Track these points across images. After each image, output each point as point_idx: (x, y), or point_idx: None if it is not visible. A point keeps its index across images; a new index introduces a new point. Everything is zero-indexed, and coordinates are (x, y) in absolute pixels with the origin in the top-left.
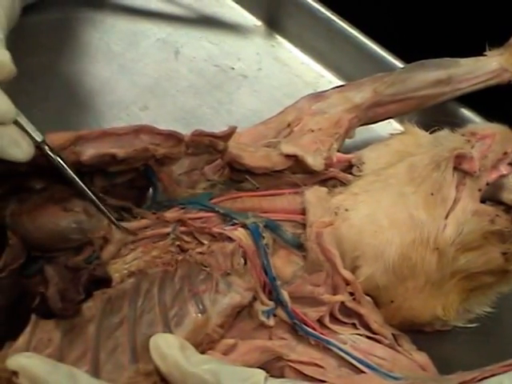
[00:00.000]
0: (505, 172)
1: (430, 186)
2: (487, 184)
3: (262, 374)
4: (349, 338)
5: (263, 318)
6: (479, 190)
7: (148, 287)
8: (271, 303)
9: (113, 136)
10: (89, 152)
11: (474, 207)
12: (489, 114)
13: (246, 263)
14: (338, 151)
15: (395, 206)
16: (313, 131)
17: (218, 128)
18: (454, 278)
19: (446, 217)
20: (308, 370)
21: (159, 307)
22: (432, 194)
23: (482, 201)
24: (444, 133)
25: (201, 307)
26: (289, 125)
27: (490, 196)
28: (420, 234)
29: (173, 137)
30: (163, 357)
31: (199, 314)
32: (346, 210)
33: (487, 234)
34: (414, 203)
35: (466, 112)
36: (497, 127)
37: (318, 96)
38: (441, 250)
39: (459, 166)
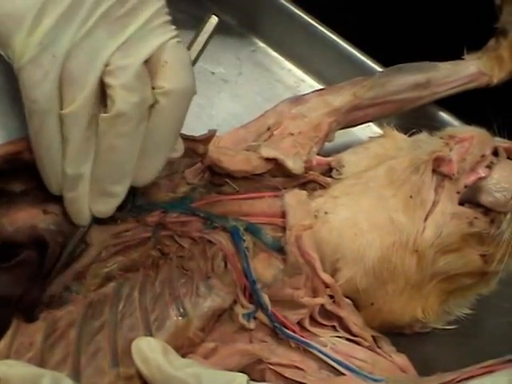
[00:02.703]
0: (483, 174)
1: (409, 189)
2: (466, 186)
3: (243, 377)
4: (329, 341)
5: (244, 321)
6: (458, 192)
7: (129, 291)
8: (251, 306)
9: None
10: None
11: (452, 210)
12: (467, 118)
13: (226, 266)
14: (318, 154)
15: (375, 208)
16: (293, 135)
17: (199, 132)
18: (434, 280)
19: (425, 219)
20: (288, 373)
21: (140, 311)
22: (411, 197)
23: (461, 203)
24: (423, 136)
25: (182, 311)
26: (269, 128)
27: (469, 198)
28: (399, 236)
29: None
30: (145, 360)
31: (180, 318)
32: (326, 213)
33: (466, 236)
34: (393, 206)
35: (445, 115)
36: (475, 130)
37: (298, 100)
38: (420, 252)
39: (438, 168)
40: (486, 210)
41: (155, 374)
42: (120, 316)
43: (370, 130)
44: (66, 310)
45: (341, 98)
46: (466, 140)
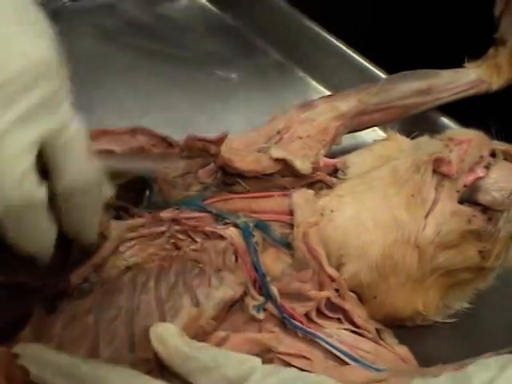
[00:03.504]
0: (481, 174)
1: (411, 188)
2: (464, 186)
3: (258, 359)
4: (334, 332)
5: (254, 312)
6: (457, 191)
7: (144, 281)
8: (261, 298)
9: (111, 135)
10: None
11: (452, 208)
12: (467, 122)
13: (236, 260)
14: (326, 156)
15: (378, 207)
16: (301, 138)
17: (212, 134)
18: (434, 274)
19: (426, 217)
20: (296, 362)
21: (155, 300)
22: (413, 196)
23: (460, 202)
24: (424, 139)
25: (195, 301)
26: (278, 132)
27: (468, 197)
28: (401, 233)
29: (167, 139)
30: (164, 342)
31: (193, 307)
32: (332, 211)
33: (465, 233)
34: (396, 204)
35: (446, 120)
36: (473, 133)
37: (307, 105)
38: (421, 248)
39: (438, 168)
40: (484, 209)
41: (173, 354)
42: (136, 304)
43: (376, 133)
44: (84, 301)
45: (347, 104)
46: (464, 142)
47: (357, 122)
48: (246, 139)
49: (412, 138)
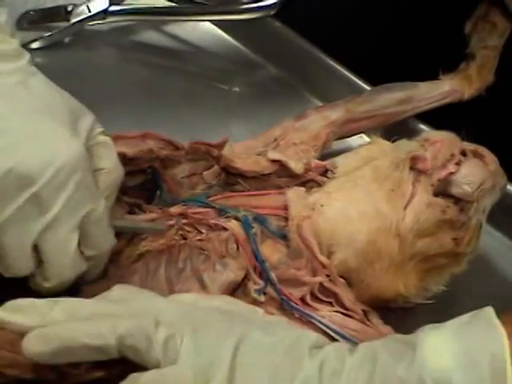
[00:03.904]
0: (453, 170)
1: (390, 184)
2: (438, 180)
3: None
4: (326, 314)
5: (255, 295)
6: (432, 185)
7: (155, 267)
8: (262, 282)
9: (123, 139)
10: None
11: (428, 200)
12: (440, 126)
13: (238, 248)
14: (317, 159)
15: (362, 200)
16: (296, 144)
17: (215, 140)
18: (413, 259)
19: (405, 208)
20: None
21: (166, 284)
22: (393, 190)
23: (435, 195)
24: (403, 141)
25: (201, 283)
26: (275, 139)
27: (442, 191)
28: (383, 222)
29: (173, 142)
30: None
31: (201, 290)
32: (322, 205)
33: (440, 222)
34: (378, 198)
35: (423, 126)
36: (445, 134)
37: (301, 115)
38: (401, 236)
39: (414, 165)
40: (456, 200)
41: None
42: (149, 287)
43: (362, 140)
44: (97, 283)
45: (336, 113)
46: (438, 142)
47: (345, 129)
48: (246, 145)
49: (393, 142)
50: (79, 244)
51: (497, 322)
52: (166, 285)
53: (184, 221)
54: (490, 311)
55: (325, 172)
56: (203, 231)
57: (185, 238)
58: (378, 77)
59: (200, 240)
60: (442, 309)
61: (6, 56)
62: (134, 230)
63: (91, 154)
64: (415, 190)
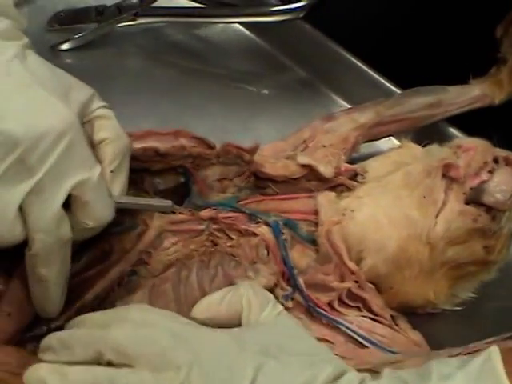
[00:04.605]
0: (485, 178)
1: (422, 190)
2: (471, 188)
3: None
4: (354, 319)
5: (283, 301)
6: (464, 193)
7: (187, 274)
8: (290, 289)
9: (156, 135)
10: (136, 146)
11: (459, 208)
12: (471, 132)
13: (268, 254)
14: (347, 163)
15: (393, 207)
16: (325, 146)
17: (242, 141)
18: (444, 267)
19: (437, 216)
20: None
21: (199, 291)
22: (424, 197)
23: (467, 203)
24: (434, 147)
25: None
26: (304, 141)
27: (473, 199)
28: (414, 230)
29: (206, 141)
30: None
31: None
32: (352, 210)
33: (471, 230)
34: (409, 204)
35: (453, 130)
36: (479, 141)
37: (329, 117)
38: (432, 243)
39: (447, 173)
40: (488, 209)
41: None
42: (182, 296)
43: (391, 142)
44: (133, 294)
45: (365, 116)
46: (470, 149)
47: (374, 132)
48: (275, 147)
49: (423, 146)
50: (77, 215)
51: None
52: (199, 291)
53: (214, 226)
54: (497, 363)
55: (355, 176)
56: (233, 237)
57: (215, 244)
58: (406, 79)
59: (231, 246)
60: (467, 314)
61: (6, 34)
62: (140, 208)
63: (92, 127)
64: (447, 197)
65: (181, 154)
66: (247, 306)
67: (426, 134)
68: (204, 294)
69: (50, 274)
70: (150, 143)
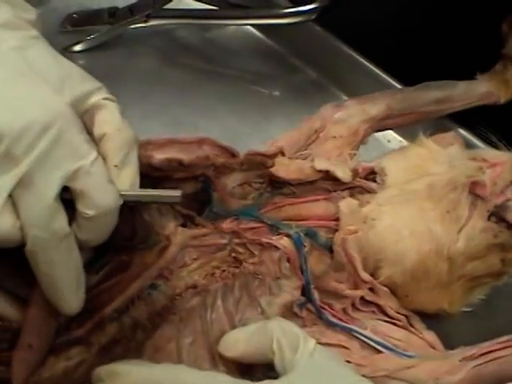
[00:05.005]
0: (510, 196)
1: (446, 205)
2: (495, 207)
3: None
4: (369, 323)
5: (296, 310)
6: (487, 210)
7: (212, 301)
8: (303, 298)
9: (179, 144)
10: (158, 156)
11: (482, 225)
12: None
13: (290, 268)
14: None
15: (415, 218)
16: (335, 137)
17: (255, 144)
18: (460, 280)
19: (459, 232)
20: (336, 351)
21: (226, 315)
22: (448, 212)
23: (488, 217)
24: (456, 153)
25: (259, 309)
26: (316, 131)
27: (495, 214)
28: (436, 245)
29: (230, 150)
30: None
31: (260, 315)
32: (373, 219)
33: (491, 245)
34: (432, 218)
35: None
36: (506, 156)
37: (339, 106)
38: (452, 259)
39: (473, 190)
40: (509, 225)
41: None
42: (209, 323)
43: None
44: (161, 329)
45: (377, 108)
46: (498, 165)
47: (381, 125)
48: (289, 138)
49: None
50: (78, 207)
51: None
52: (226, 317)
53: (236, 240)
54: None
55: (372, 174)
56: (255, 252)
57: (237, 260)
58: (417, 81)
59: (253, 264)
60: (480, 313)
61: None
62: (147, 200)
63: (91, 119)
64: (471, 214)
65: (204, 163)
66: (278, 349)
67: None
68: (231, 318)
69: (53, 271)
70: (174, 154)
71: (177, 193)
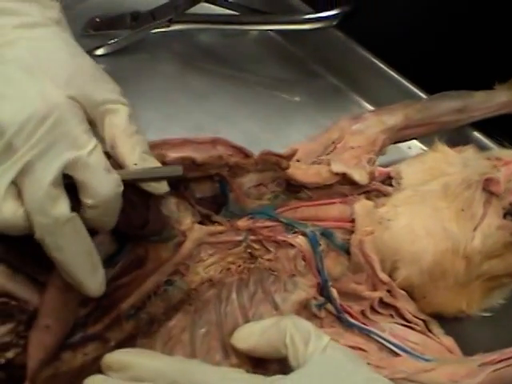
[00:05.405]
0: None
1: (461, 203)
2: (510, 204)
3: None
4: (387, 326)
5: (315, 311)
6: (503, 208)
7: (227, 294)
8: (322, 299)
9: (193, 144)
10: (172, 155)
11: (498, 223)
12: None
13: (305, 266)
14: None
15: (431, 218)
16: (353, 148)
17: (275, 148)
18: (478, 280)
19: (475, 230)
20: (354, 353)
21: (240, 309)
22: (463, 210)
23: (504, 216)
24: (471, 154)
25: (273, 305)
26: (333, 142)
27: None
28: (452, 243)
29: (243, 150)
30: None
31: (274, 311)
32: (389, 220)
33: (508, 244)
34: (447, 217)
35: (478, 135)
36: None
37: (357, 118)
38: (469, 257)
39: (487, 187)
40: None
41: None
42: (223, 316)
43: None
44: (176, 319)
45: (394, 118)
46: (511, 163)
47: (400, 135)
48: (306, 148)
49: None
50: (79, 195)
51: None
52: (240, 310)
53: (252, 237)
54: None
55: (388, 179)
56: (271, 249)
57: (253, 256)
58: (439, 88)
59: (269, 260)
60: (499, 317)
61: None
62: (150, 176)
63: (102, 123)
64: (486, 211)
65: (217, 163)
66: (291, 344)
67: (453, 137)
68: (245, 312)
69: (64, 256)
70: (187, 153)
71: (177, 167)
